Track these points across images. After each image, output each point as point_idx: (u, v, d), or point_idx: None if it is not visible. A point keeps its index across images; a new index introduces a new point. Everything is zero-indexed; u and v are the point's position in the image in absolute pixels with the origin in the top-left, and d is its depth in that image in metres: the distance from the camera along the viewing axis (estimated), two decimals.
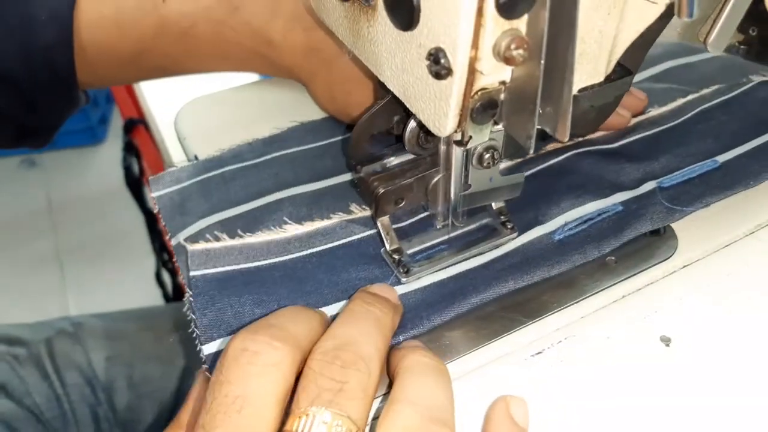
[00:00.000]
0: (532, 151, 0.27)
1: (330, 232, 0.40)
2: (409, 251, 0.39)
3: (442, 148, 0.35)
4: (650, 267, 0.38)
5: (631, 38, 0.29)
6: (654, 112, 0.49)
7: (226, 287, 0.37)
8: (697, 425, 0.32)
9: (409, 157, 0.38)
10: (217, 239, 0.39)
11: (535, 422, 0.32)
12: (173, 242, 0.41)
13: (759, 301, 0.37)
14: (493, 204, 0.40)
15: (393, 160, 0.38)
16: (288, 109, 0.49)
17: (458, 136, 0.30)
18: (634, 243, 0.39)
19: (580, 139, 0.46)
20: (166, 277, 1.18)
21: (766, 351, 0.35)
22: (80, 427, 0.59)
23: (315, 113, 0.49)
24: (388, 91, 0.31)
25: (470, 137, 0.28)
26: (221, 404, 0.26)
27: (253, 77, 0.54)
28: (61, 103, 0.48)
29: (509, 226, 0.39)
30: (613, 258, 0.39)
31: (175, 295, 1.17)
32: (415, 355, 0.29)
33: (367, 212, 0.41)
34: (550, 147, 0.45)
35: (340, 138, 0.48)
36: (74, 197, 1.82)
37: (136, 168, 1.11)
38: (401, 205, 0.38)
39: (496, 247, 0.39)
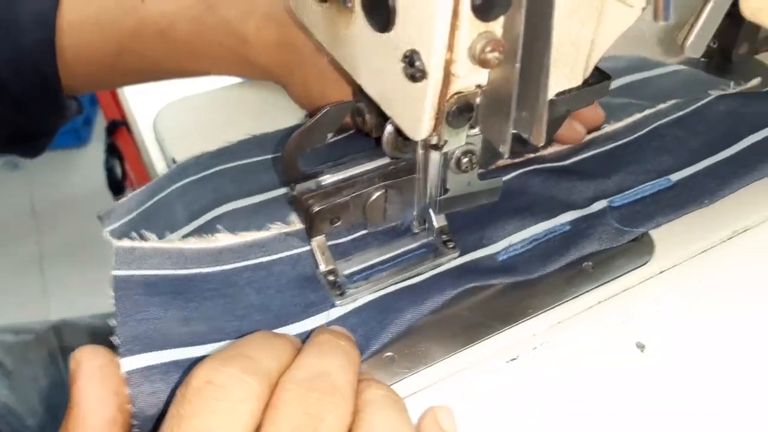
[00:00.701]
0: (506, 156, 0.27)
1: (266, 244, 0.38)
2: (347, 271, 0.37)
3: (420, 152, 0.35)
4: (627, 272, 0.38)
5: (609, 43, 0.29)
6: (609, 127, 0.47)
7: (152, 294, 0.34)
8: (672, 431, 0.32)
9: (346, 174, 0.37)
10: (145, 239, 0.36)
11: (511, 429, 0.32)
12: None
13: (734, 307, 0.37)
14: (435, 222, 0.38)
15: (329, 178, 0.37)
16: (267, 111, 0.48)
17: (435, 140, 0.30)
18: (612, 248, 0.39)
19: (532, 155, 0.45)
20: None
21: (740, 357, 0.35)
22: None
23: (293, 116, 0.48)
24: (363, 91, 0.31)
25: (446, 141, 0.28)
26: None
27: (234, 80, 0.53)
28: (49, 109, 0.48)
29: (450, 246, 0.38)
30: (590, 263, 0.39)
31: None
32: (372, 388, 0.27)
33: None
34: (500, 163, 0.44)
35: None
36: (58, 200, 1.80)
37: (118, 170, 1.10)
38: (337, 224, 0.37)
39: (437, 266, 0.38)
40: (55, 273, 1.61)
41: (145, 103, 0.60)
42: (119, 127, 1.06)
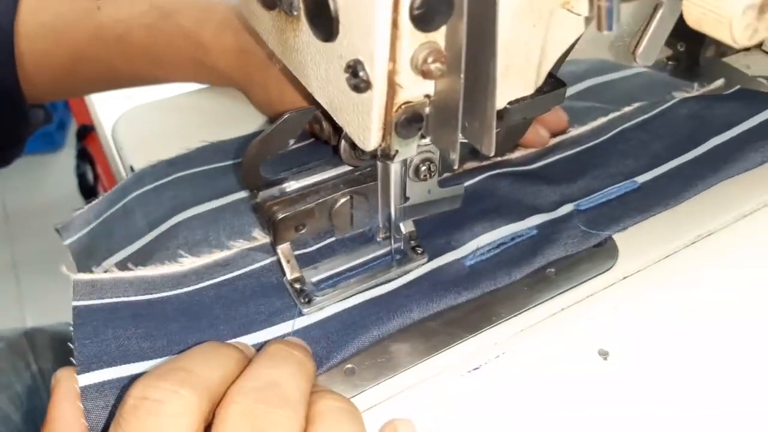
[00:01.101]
0: (456, 166, 0.27)
1: (230, 262, 0.38)
2: (314, 279, 0.37)
3: (379, 161, 0.35)
4: (590, 279, 0.38)
5: (561, 50, 0.29)
6: (574, 131, 0.47)
7: (112, 319, 0.34)
8: None
9: (310, 181, 0.37)
10: (105, 271, 0.36)
11: None
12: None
13: (698, 313, 0.37)
14: (402, 228, 0.38)
15: (293, 185, 0.36)
16: (228, 117, 0.48)
17: (387, 150, 0.29)
18: (575, 254, 0.39)
19: (498, 158, 0.45)
20: None
21: (705, 363, 0.34)
22: None
23: (255, 123, 0.48)
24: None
25: (396, 151, 0.27)
26: None
27: (194, 86, 0.53)
28: (12, 117, 0.47)
29: (419, 251, 0.38)
30: (552, 270, 0.38)
31: None
32: (325, 399, 0.27)
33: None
34: (467, 166, 0.44)
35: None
36: (31, 206, 1.77)
37: (90, 175, 1.09)
38: (302, 231, 0.36)
39: (406, 272, 0.38)
40: (30, 280, 1.59)
41: (110, 108, 0.59)
42: (90, 131, 1.05)
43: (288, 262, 0.36)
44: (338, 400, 0.27)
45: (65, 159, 1.85)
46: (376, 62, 0.23)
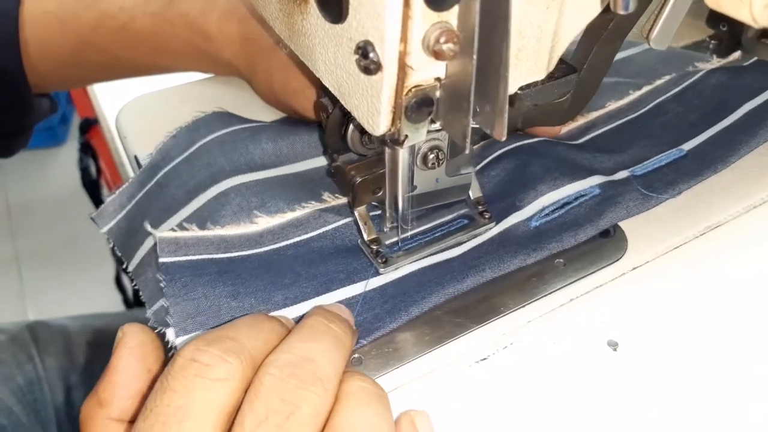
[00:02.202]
0: (467, 151, 0.26)
1: (303, 223, 0.39)
2: (387, 242, 0.38)
3: (387, 149, 0.34)
4: (599, 269, 0.38)
5: (573, 34, 0.28)
6: (612, 105, 0.49)
7: (200, 275, 0.35)
8: (644, 431, 0.31)
9: None
10: (185, 230, 0.37)
11: (481, 429, 0.31)
12: (130, 268, 0.39)
13: (708, 304, 0.36)
14: (471, 193, 0.39)
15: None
16: (231, 107, 0.47)
17: (396, 135, 0.29)
18: (584, 244, 0.39)
19: (541, 139, 0.46)
20: (126, 282, 1.15)
21: (715, 353, 0.34)
22: (58, 413, 0.59)
23: (258, 111, 0.47)
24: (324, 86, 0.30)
25: (406, 136, 0.27)
26: (161, 414, 0.24)
27: (198, 76, 0.52)
28: (17, 106, 0.48)
29: (486, 216, 0.39)
30: (561, 260, 0.38)
31: (135, 300, 1.14)
32: (354, 379, 0.27)
33: (340, 200, 0.40)
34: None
35: (264, 122, 0.45)
36: (34, 200, 1.77)
37: (93, 169, 1.08)
38: (379, 194, 0.37)
39: (474, 236, 0.39)
40: (32, 274, 1.59)
41: (113, 100, 0.59)
42: (93, 125, 1.04)
43: (365, 224, 0.37)
44: (367, 381, 0.28)
45: (68, 153, 1.85)
46: (386, 43, 0.23)
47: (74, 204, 1.49)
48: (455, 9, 0.23)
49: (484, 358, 0.34)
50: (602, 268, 0.38)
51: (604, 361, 0.34)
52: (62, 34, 0.45)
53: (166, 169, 0.42)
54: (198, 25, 0.43)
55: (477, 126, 0.27)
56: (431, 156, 0.35)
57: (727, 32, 0.55)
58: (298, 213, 0.39)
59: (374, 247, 0.37)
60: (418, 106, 0.26)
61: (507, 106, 0.25)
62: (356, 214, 0.37)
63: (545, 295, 0.37)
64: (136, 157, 0.45)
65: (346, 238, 0.39)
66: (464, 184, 0.38)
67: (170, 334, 0.33)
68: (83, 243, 1.55)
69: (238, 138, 0.43)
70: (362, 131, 0.35)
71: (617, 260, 0.38)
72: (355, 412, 0.26)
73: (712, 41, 0.57)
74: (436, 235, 0.39)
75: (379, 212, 0.40)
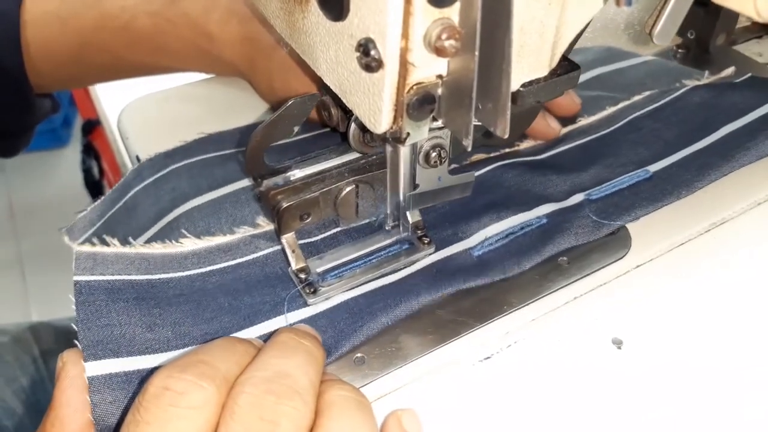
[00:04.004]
0: (470, 149, 0.26)
1: (233, 248, 0.37)
2: (319, 269, 0.36)
3: (388, 147, 0.34)
4: (603, 267, 0.38)
5: (576, 30, 0.28)
6: (584, 121, 0.47)
7: (115, 301, 0.33)
8: (648, 429, 0.31)
9: (315, 169, 0.36)
10: (107, 244, 0.35)
11: (484, 429, 0.31)
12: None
13: (713, 301, 0.36)
14: (409, 217, 0.37)
15: (297, 173, 0.36)
16: (232, 107, 0.47)
17: (397, 133, 0.29)
18: (588, 243, 0.38)
19: (507, 150, 0.45)
20: None
21: (720, 351, 0.34)
22: None
23: (259, 113, 0.47)
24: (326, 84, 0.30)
25: (408, 134, 0.27)
26: None
27: (200, 76, 0.52)
28: (19, 105, 0.47)
29: (426, 241, 0.37)
30: (565, 258, 0.38)
31: None
32: (334, 389, 0.26)
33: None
34: (474, 158, 0.43)
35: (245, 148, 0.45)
36: (37, 202, 1.77)
37: (96, 170, 1.08)
38: (308, 220, 0.35)
39: (412, 263, 0.37)
40: (35, 276, 1.59)
41: (115, 101, 0.59)
42: (95, 126, 1.04)
43: (293, 251, 0.36)
44: (348, 389, 0.27)
45: (71, 155, 1.85)
46: (388, 40, 0.23)
47: (77, 206, 1.48)
48: (456, 5, 0.23)
49: (488, 357, 0.34)
50: (606, 266, 0.38)
51: (609, 359, 0.34)
52: (63, 34, 0.45)
53: (135, 190, 0.42)
54: (199, 25, 0.43)
55: (479, 124, 0.27)
56: (433, 154, 0.34)
57: (695, 40, 0.54)
58: (229, 238, 0.37)
59: (303, 276, 0.35)
60: (419, 103, 0.26)
61: (509, 104, 0.25)
62: (283, 241, 0.36)
63: (549, 294, 0.36)
64: (137, 158, 0.45)
65: (276, 265, 0.37)
66: (467, 183, 0.38)
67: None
68: None
69: (208, 163, 0.42)
70: (364, 129, 0.35)
71: (621, 258, 0.38)
72: (337, 423, 0.25)
73: (680, 50, 0.56)
74: (372, 261, 0.37)
75: (310, 239, 0.38)
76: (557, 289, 0.37)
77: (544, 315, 0.36)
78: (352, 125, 0.34)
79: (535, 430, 0.31)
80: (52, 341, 0.63)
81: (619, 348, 0.34)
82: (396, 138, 0.27)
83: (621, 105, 0.48)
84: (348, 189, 0.36)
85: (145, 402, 0.24)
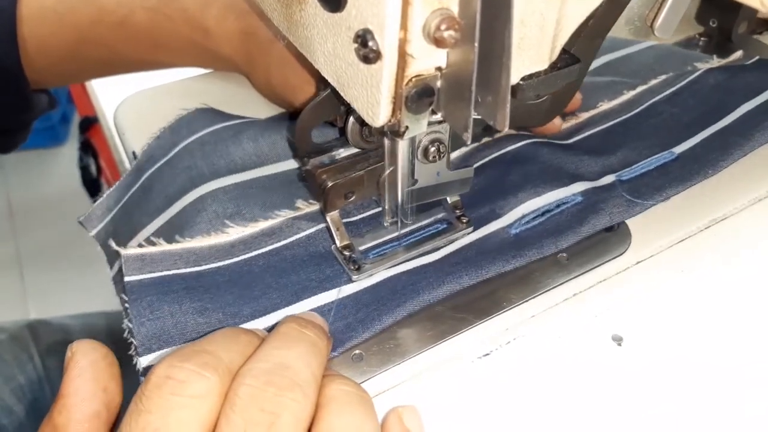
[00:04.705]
0: (469, 142, 0.26)
1: (276, 232, 0.38)
2: (361, 247, 0.37)
3: (387, 141, 0.34)
4: (603, 263, 0.37)
5: (576, 23, 0.28)
6: (605, 106, 0.48)
7: (166, 293, 0.34)
8: (648, 426, 0.31)
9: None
10: (153, 244, 0.36)
11: (484, 426, 0.31)
12: (111, 274, 0.38)
13: (713, 298, 0.36)
14: (447, 198, 0.38)
15: (342, 152, 0.36)
16: (230, 102, 0.47)
17: (396, 127, 0.28)
18: (587, 239, 0.38)
19: (532, 132, 0.45)
20: None
21: (720, 348, 0.34)
22: None
23: (256, 107, 0.47)
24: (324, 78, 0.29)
25: (407, 128, 0.27)
26: None
27: (197, 71, 0.52)
28: (16, 101, 0.47)
29: (464, 221, 0.38)
30: (565, 255, 0.37)
31: None
32: (335, 383, 0.26)
33: (314, 207, 0.39)
34: (504, 133, 0.44)
35: (252, 118, 0.45)
36: (35, 200, 1.77)
37: (93, 168, 1.08)
38: (352, 199, 0.36)
39: (451, 242, 0.38)
40: (34, 274, 1.59)
41: (113, 96, 0.58)
42: (93, 123, 1.04)
43: (338, 229, 0.36)
44: (349, 384, 0.27)
45: (69, 153, 1.85)
46: (386, 30, 0.22)
47: (76, 203, 1.48)
48: None
49: (487, 354, 0.34)
50: (606, 262, 0.37)
51: (609, 356, 0.33)
52: (60, 30, 0.45)
53: (149, 172, 0.42)
54: (197, 20, 0.43)
55: (479, 117, 0.26)
56: (432, 149, 0.34)
57: (717, 28, 0.54)
58: (271, 222, 0.38)
59: (347, 253, 0.36)
60: (418, 96, 0.25)
61: (509, 97, 0.25)
62: (328, 219, 0.36)
63: (549, 290, 0.36)
64: (134, 153, 0.44)
65: (319, 244, 0.37)
66: (466, 178, 0.38)
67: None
68: (85, 242, 1.54)
69: (220, 138, 0.42)
70: (362, 123, 0.34)
71: (621, 254, 0.38)
72: (338, 418, 0.25)
73: (702, 38, 0.56)
74: (412, 240, 0.38)
75: (351, 219, 0.39)
76: (557, 286, 0.36)
77: (544, 311, 0.35)
78: (351, 119, 0.34)
79: (536, 427, 0.31)
80: (50, 339, 0.63)
81: (619, 344, 0.34)
82: (394, 131, 0.27)
83: (639, 89, 0.49)
84: (391, 168, 0.35)
85: (147, 391, 0.24)
